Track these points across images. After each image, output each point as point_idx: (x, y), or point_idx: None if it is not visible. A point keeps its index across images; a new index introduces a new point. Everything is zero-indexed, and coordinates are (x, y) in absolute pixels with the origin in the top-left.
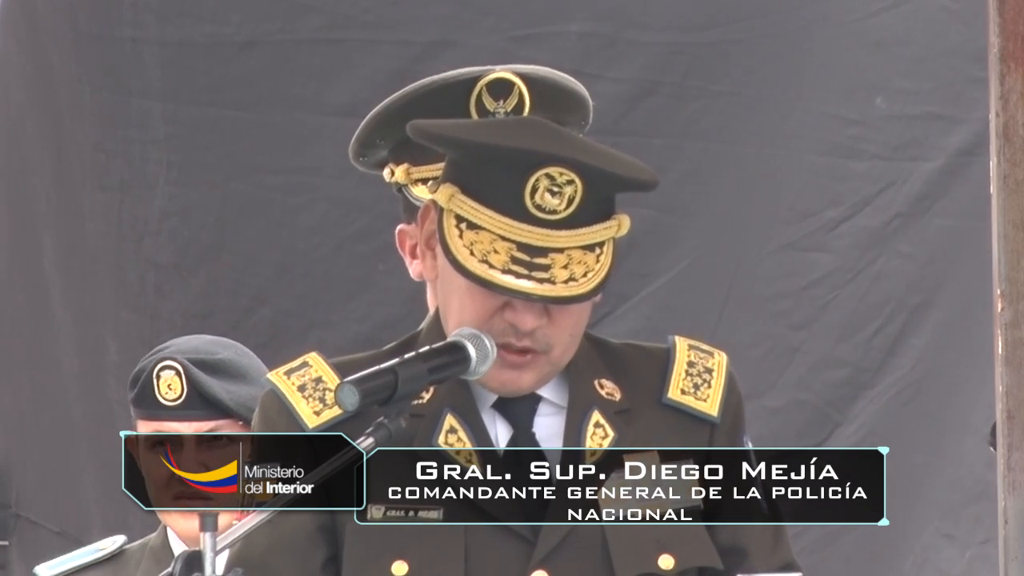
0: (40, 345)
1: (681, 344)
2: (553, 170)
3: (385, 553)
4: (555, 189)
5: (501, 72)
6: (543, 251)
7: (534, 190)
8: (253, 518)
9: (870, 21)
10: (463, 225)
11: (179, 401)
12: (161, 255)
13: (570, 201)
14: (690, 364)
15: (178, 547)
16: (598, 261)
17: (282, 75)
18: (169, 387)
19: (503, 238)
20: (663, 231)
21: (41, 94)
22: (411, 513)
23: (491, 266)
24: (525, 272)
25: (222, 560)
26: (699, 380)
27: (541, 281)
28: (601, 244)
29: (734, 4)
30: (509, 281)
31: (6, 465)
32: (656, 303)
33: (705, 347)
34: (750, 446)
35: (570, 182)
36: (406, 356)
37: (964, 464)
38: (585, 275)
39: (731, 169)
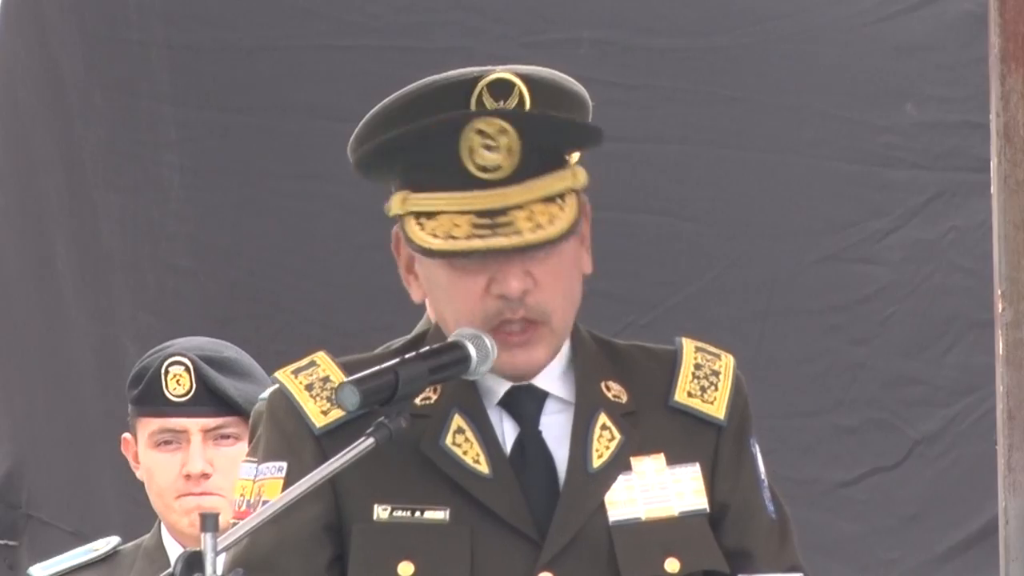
0: (53, 345)
1: (688, 346)
2: (480, 123)
3: (391, 553)
4: (490, 144)
5: (501, 72)
6: (502, 211)
7: (471, 152)
8: (255, 517)
9: (886, 24)
10: (422, 219)
11: (188, 396)
12: (179, 259)
13: (510, 152)
14: (697, 367)
15: (172, 547)
16: (562, 210)
17: (290, 81)
18: (178, 382)
19: (460, 212)
20: (684, 238)
21: (50, 94)
22: (417, 513)
23: (455, 239)
24: (489, 232)
25: (223, 561)
26: (706, 383)
27: (508, 235)
28: (561, 196)
29: (744, 7)
30: (475, 243)
31: (17, 466)
32: (688, 313)
33: (712, 349)
34: (757, 448)
35: (502, 131)
36: (407, 356)
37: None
38: (551, 221)
39: (749, 175)
